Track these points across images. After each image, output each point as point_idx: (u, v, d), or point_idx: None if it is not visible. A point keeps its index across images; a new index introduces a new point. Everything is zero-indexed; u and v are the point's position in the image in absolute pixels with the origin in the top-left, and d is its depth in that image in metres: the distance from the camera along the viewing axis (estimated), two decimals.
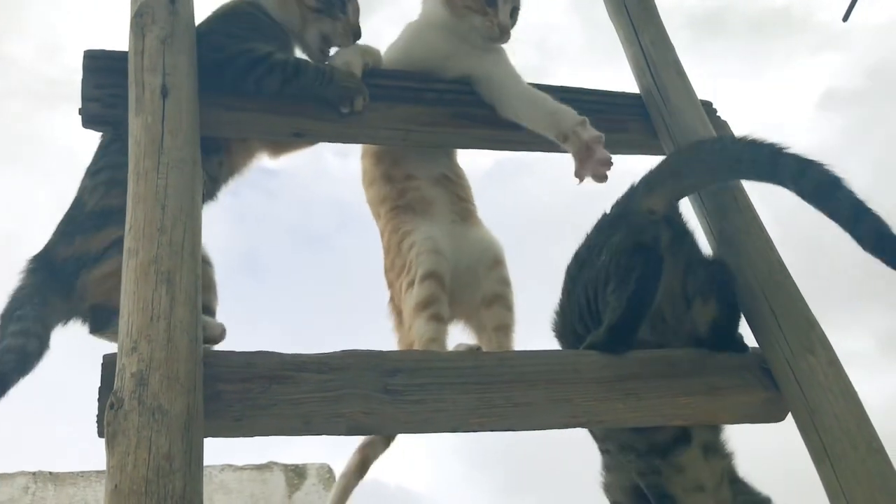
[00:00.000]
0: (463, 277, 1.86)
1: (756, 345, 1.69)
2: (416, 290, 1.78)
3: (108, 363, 1.31)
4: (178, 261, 1.33)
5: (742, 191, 1.84)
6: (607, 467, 1.77)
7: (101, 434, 1.24)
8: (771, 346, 1.64)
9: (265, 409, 1.37)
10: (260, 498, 3.63)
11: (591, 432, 1.77)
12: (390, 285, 1.93)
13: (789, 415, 1.62)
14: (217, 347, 1.52)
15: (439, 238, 1.86)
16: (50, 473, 3.43)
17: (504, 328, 1.89)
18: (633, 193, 1.79)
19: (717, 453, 1.69)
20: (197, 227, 1.40)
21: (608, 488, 1.77)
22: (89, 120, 1.68)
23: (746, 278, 1.71)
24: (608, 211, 1.81)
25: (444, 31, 1.95)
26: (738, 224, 1.78)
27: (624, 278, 1.62)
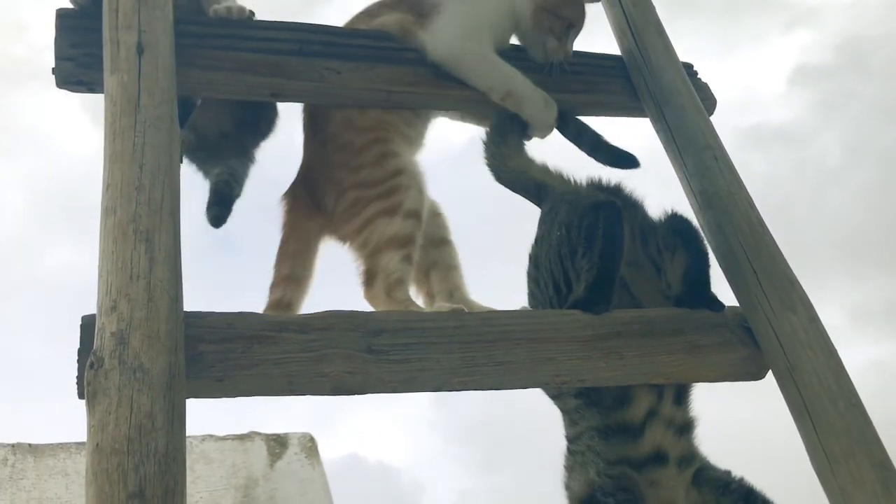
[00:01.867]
0: None
1: (737, 304, 1.70)
2: (397, 224, 1.75)
3: (87, 325, 1.30)
4: (157, 220, 1.31)
5: (723, 151, 1.84)
6: (567, 467, 1.72)
7: (81, 395, 1.23)
8: (751, 305, 1.65)
9: (247, 370, 1.36)
10: (241, 467, 3.62)
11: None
12: (334, 183, 1.84)
13: (769, 373, 1.63)
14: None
15: (422, 179, 1.85)
16: (29, 445, 3.40)
17: (457, 268, 1.93)
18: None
19: (687, 465, 1.65)
20: (176, 186, 1.38)
21: (567, 489, 1.73)
22: (64, 80, 1.64)
23: (727, 238, 1.72)
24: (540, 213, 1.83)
25: (511, 23, 1.99)
26: (719, 184, 1.78)
27: (589, 237, 1.64)
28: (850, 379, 1.53)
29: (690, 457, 1.62)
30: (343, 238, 1.85)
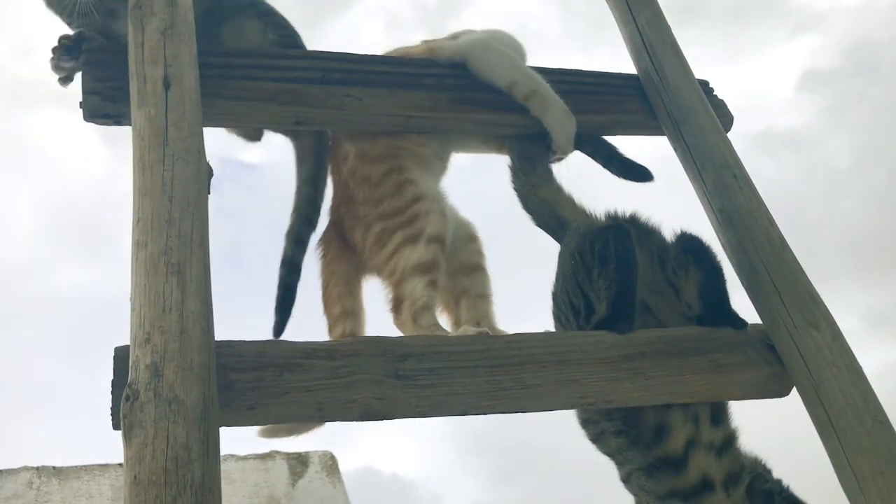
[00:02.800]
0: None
1: (759, 321, 1.70)
2: (420, 250, 1.77)
3: (120, 356, 1.32)
4: (188, 252, 1.33)
5: (742, 169, 1.85)
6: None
7: (115, 426, 1.25)
8: (774, 322, 1.65)
9: (278, 398, 1.38)
10: (263, 486, 3.63)
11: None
12: (360, 219, 1.87)
13: (793, 390, 1.64)
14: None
15: (444, 202, 1.87)
16: (53, 468, 3.42)
17: (486, 297, 1.93)
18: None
19: (735, 483, 1.65)
20: (204, 217, 1.40)
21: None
22: (91, 114, 1.67)
23: (749, 255, 1.73)
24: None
25: None
26: (738, 202, 1.79)
27: (603, 257, 1.68)
28: (875, 396, 1.53)
29: (737, 475, 1.63)
30: (375, 270, 1.88)
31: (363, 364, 1.45)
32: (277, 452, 3.84)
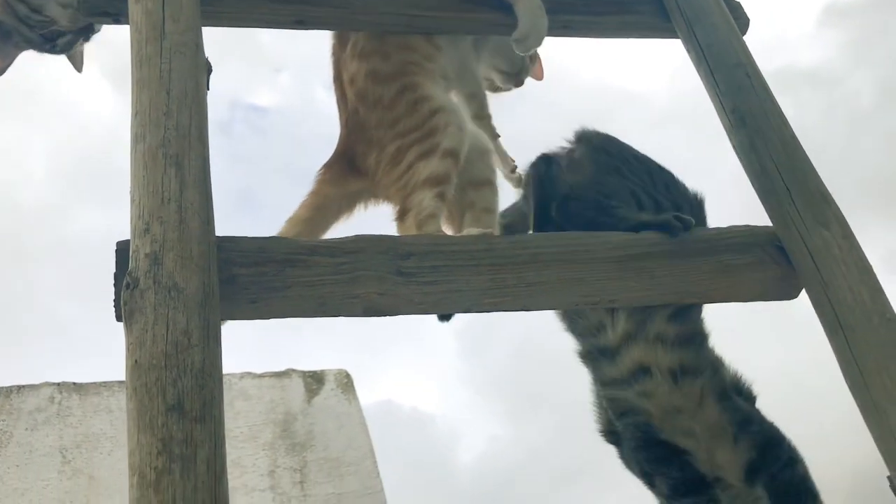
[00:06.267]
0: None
1: (770, 223, 1.68)
2: (435, 163, 1.74)
3: (122, 249, 1.32)
4: (186, 144, 1.32)
5: (756, 68, 1.80)
6: (593, 402, 1.79)
7: (118, 318, 1.25)
8: (784, 223, 1.62)
9: (280, 292, 1.38)
10: (279, 403, 3.69)
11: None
12: (373, 143, 1.84)
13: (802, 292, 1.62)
14: None
15: (461, 115, 1.84)
16: (74, 384, 3.50)
17: (492, 212, 1.90)
18: None
19: (691, 375, 1.66)
20: (203, 111, 1.39)
21: (596, 422, 1.77)
22: (89, 11, 1.65)
23: (760, 156, 1.69)
24: None
25: None
26: (752, 102, 1.75)
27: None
28: (884, 294, 1.51)
29: (693, 369, 1.63)
30: (386, 191, 1.85)
31: (365, 261, 1.44)
32: (293, 370, 3.90)
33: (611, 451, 1.75)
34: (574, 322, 1.68)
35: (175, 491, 1.04)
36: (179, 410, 1.09)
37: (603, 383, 1.64)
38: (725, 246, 1.63)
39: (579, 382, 1.81)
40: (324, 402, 3.77)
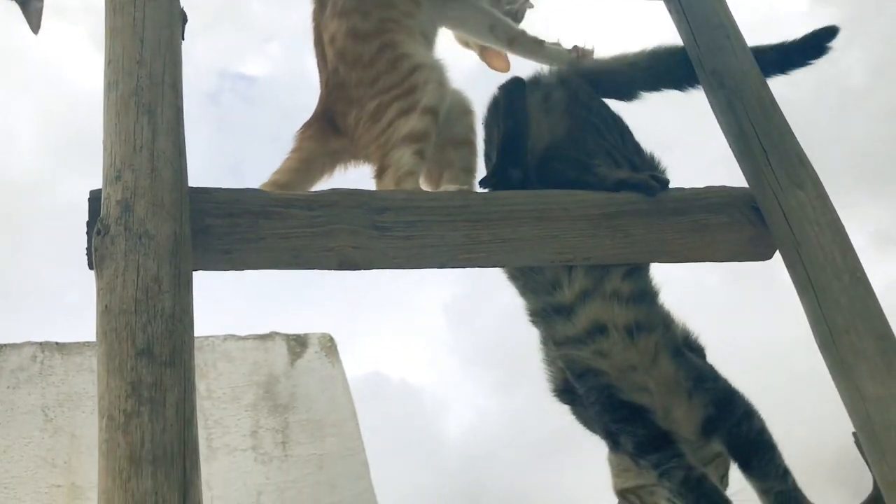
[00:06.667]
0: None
1: (746, 184, 1.68)
2: (414, 120, 1.74)
3: (94, 198, 1.31)
4: (159, 93, 1.32)
5: (737, 30, 1.80)
6: (544, 360, 1.79)
7: (90, 266, 1.25)
8: (760, 184, 1.63)
9: (254, 243, 1.39)
10: (263, 365, 3.71)
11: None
12: (353, 102, 1.83)
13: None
14: None
15: (442, 71, 1.83)
16: (56, 343, 3.50)
17: (471, 172, 1.89)
18: None
19: (645, 332, 1.66)
20: (177, 60, 1.38)
21: (549, 381, 1.79)
22: None
23: (738, 117, 1.69)
24: None
25: None
26: (731, 64, 1.74)
27: (494, 112, 1.78)
28: (856, 254, 1.52)
29: (647, 325, 1.64)
30: (365, 150, 1.83)
31: (341, 214, 1.44)
32: (277, 333, 3.91)
33: None
34: (528, 279, 1.68)
35: (144, 433, 1.05)
36: (149, 355, 1.10)
37: (557, 342, 1.64)
38: (701, 206, 1.64)
39: None
40: (307, 365, 3.78)
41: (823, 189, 1.60)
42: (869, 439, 1.38)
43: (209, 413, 3.30)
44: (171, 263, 1.18)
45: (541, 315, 1.68)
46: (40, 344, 3.47)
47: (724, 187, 1.68)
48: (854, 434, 1.44)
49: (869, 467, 1.42)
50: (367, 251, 1.44)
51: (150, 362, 1.10)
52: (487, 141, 1.82)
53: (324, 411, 3.62)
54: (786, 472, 1.54)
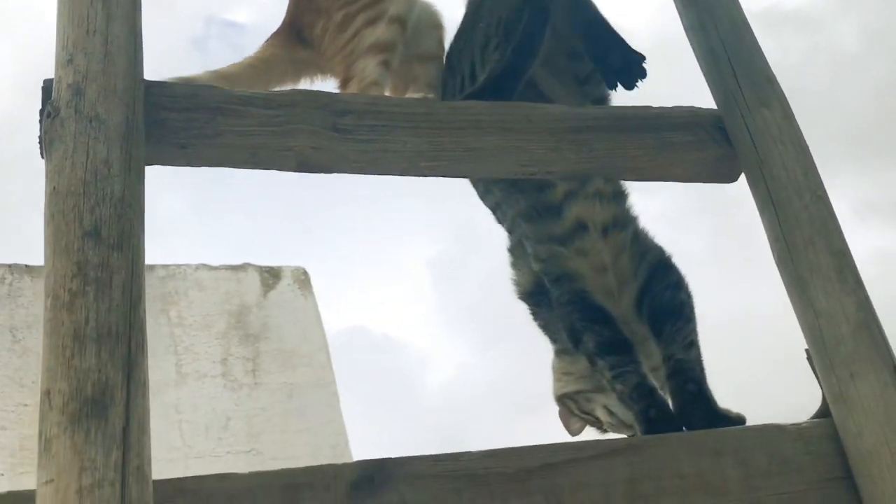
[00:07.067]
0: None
1: (714, 105, 1.68)
2: (381, 30, 1.72)
3: (47, 86, 1.29)
4: None
5: None
6: (513, 265, 1.80)
7: (42, 154, 1.23)
8: (728, 104, 1.62)
9: (210, 139, 1.36)
10: (234, 295, 3.71)
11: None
12: (321, 12, 1.81)
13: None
14: None
15: None
16: (26, 266, 3.48)
17: (436, 88, 1.87)
18: None
19: (618, 228, 1.70)
20: None
21: (517, 284, 1.80)
22: None
23: (709, 37, 1.68)
24: None
25: None
26: None
27: (508, 32, 1.64)
28: (818, 173, 1.52)
29: (622, 221, 1.67)
30: (331, 61, 1.80)
31: (301, 115, 1.42)
32: (250, 265, 3.91)
33: None
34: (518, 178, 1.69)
35: (88, 311, 1.04)
36: (96, 236, 1.09)
37: (539, 240, 1.66)
38: (667, 124, 1.63)
39: None
40: (279, 297, 3.79)
41: (790, 110, 1.59)
42: (819, 353, 1.39)
43: (179, 339, 3.31)
44: (122, 148, 1.16)
45: (527, 215, 1.69)
46: (9, 266, 3.45)
47: (691, 107, 1.66)
48: (806, 350, 1.45)
49: (819, 384, 1.44)
50: (326, 153, 1.42)
51: (98, 244, 1.08)
52: (477, 46, 1.74)
53: (295, 342, 3.63)
54: (691, 345, 1.57)
